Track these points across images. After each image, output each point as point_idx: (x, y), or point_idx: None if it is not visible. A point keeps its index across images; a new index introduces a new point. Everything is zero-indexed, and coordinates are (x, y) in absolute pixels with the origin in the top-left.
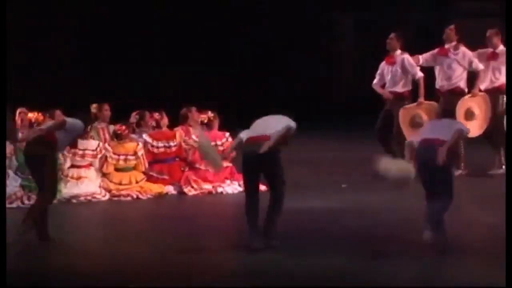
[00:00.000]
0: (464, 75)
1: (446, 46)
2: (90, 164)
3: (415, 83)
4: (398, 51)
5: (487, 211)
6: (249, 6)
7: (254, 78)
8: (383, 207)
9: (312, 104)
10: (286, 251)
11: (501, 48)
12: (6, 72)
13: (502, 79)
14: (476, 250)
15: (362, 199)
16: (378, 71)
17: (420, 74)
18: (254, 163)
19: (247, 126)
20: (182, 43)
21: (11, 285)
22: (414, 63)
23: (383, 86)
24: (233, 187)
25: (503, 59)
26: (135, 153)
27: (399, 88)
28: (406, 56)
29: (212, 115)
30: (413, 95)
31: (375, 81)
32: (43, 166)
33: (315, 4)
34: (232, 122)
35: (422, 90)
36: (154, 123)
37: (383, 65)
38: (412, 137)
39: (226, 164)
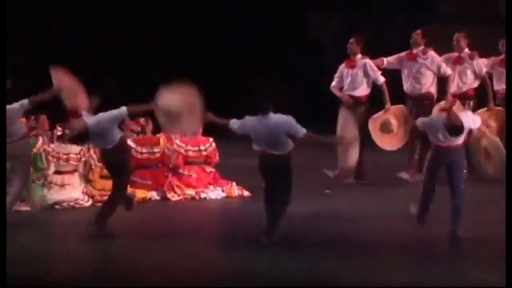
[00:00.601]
0: (434, 80)
1: (414, 51)
2: (74, 170)
3: (373, 87)
4: (359, 55)
5: (477, 214)
6: (238, 9)
7: (242, 82)
8: (379, 210)
9: (305, 109)
10: (286, 253)
11: (466, 51)
12: (6, 73)
13: (469, 83)
14: (471, 253)
15: (359, 203)
16: (337, 74)
17: (382, 79)
18: (271, 171)
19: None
20: (166, 49)
21: (11, 285)
22: (376, 68)
23: (341, 89)
24: (217, 192)
25: (468, 63)
26: None
27: (358, 92)
28: (368, 60)
29: None
30: (370, 100)
31: (333, 83)
32: (119, 171)
33: (308, 4)
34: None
35: (387, 96)
36: (139, 129)
37: (342, 68)
38: (383, 143)
39: (209, 169)
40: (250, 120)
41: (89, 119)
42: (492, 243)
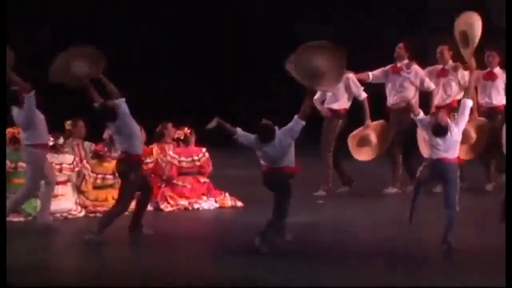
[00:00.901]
0: (416, 93)
1: (398, 64)
2: (67, 181)
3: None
4: None
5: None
6: (228, 19)
7: (231, 92)
8: (373, 219)
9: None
10: (279, 262)
11: (450, 63)
12: (6, 72)
13: (453, 95)
14: (469, 260)
15: (352, 212)
16: None
17: (364, 95)
18: (272, 186)
19: (225, 140)
20: (156, 59)
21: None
22: (359, 84)
23: (323, 102)
24: (210, 203)
25: (452, 75)
26: (113, 173)
27: (338, 106)
28: (351, 75)
29: (188, 131)
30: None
31: (316, 96)
32: (123, 182)
33: (295, 15)
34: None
35: (367, 112)
36: None
37: None
38: (359, 155)
39: (203, 179)
40: (257, 140)
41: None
42: (488, 250)
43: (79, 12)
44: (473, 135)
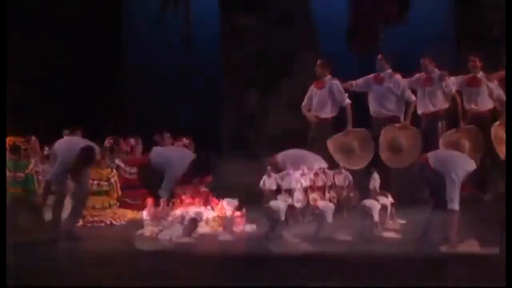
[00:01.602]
0: (401, 102)
1: (381, 74)
2: None
3: (340, 110)
4: (328, 76)
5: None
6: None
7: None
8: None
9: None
10: (272, 271)
11: (436, 71)
12: (6, 75)
13: (440, 104)
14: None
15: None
16: (308, 94)
17: (348, 101)
18: None
19: (222, 148)
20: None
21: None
22: (342, 90)
23: (309, 109)
24: (207, 212)
25: (437, 85)
26: (108, 180)
27: (324, 113)
28: (336, 82)
29: (187, 141)
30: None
31: (303, 103)
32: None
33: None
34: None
35: (350, 118)
36: (129, 149)
37: (312, 88)
38: (344, 162)
39: (204, 189)
40: None
41: None
42: (486, 255)
43: (79, 12)
44: (467, 144)
